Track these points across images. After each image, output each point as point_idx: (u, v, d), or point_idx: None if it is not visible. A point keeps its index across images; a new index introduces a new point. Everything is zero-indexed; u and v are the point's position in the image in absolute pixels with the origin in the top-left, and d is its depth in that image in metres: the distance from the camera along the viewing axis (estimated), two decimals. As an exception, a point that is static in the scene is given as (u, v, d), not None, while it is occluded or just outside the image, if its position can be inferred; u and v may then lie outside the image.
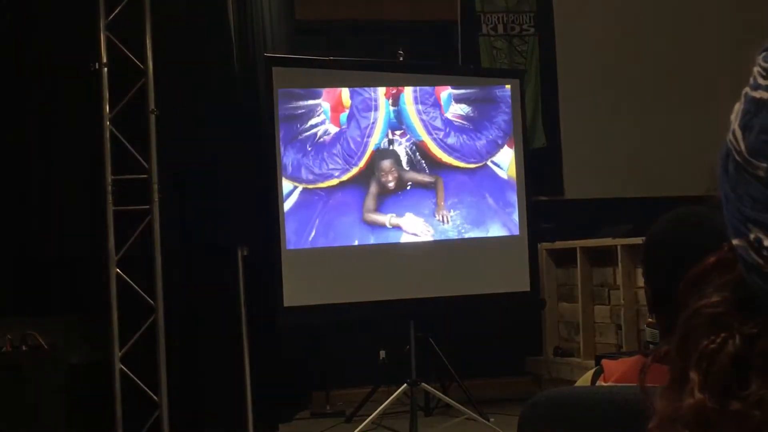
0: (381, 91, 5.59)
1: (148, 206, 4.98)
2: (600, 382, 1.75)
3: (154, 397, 4.89)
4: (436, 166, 5.67)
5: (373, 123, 5.56)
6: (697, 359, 0.68)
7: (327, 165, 5.46)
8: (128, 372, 4.87)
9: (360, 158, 5.52)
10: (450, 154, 5.70)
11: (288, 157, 5.36)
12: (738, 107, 0.68)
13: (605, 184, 7.14)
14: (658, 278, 1.79)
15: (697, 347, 0.68)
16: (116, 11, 4.97)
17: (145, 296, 4.92)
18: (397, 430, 5.63)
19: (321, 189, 5.45)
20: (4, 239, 5.04)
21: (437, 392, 5.69)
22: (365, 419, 5.35)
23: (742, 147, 0.66)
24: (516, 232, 5.85)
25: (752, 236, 0.65)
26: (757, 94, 0.66)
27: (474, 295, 5.72)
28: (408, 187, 5.62)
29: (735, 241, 0.67)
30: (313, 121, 5.43)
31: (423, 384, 5.46)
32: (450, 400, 5.60)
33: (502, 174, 5.81)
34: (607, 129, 7.14)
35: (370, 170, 5.55)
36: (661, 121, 7.15)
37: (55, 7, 5.11)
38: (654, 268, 1.82)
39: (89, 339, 5.12)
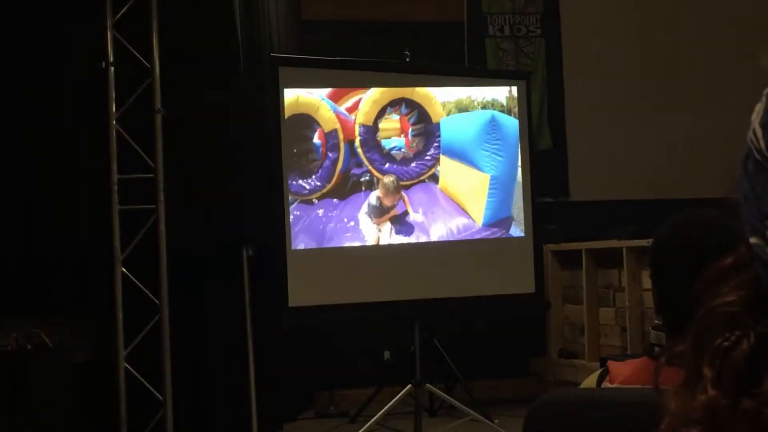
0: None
1: (153, 205, 4.98)
2: (606, 384, 1.75)
3: (159, 396, 4.90)
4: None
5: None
6: (711, 356, 0.68)
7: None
8: (133, 371, 4.88)
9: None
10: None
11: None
12: (759, 106, 0.68)
13: (611, 185, 7.13)
14: (665, 280, 1.79)
15: (712, 345, 0.68)
16: (123, 10, 4.97)
17: (150, 295, 4.92)
18: (401, 431, 5.63)
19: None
20: (10, 237, 5.04)
21: (441, 393, 5.68)
22: (369, 420, 5.36)
23: (762, 145, 0.66)
24: (521, 233, 5.85)
25: None
26: None
27: (479, 297, 5.72)
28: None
29: (752, 239, 0.68)
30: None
31: (427, 385, 5.46)
32: (454, 401, 5.59)
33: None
34: (613, 131, 7.14)
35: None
36: (667, 123, 7.14)
37: (62, 6, 5.12)
38: (661, 270, 1.82)
39: (94, 338, 5.13)
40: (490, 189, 5.81)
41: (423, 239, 5.67)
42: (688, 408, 0.68)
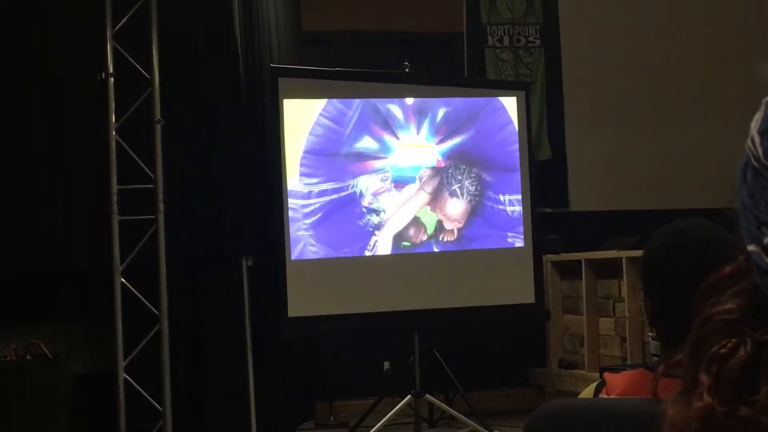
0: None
1: (153, 216, 4.98)
2: (602, 395, 1.74)
3: (158, 407, 4.89)
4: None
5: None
6: (708, 363, 0.68)
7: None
8: (132, 382, 4.87)
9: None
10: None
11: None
12: (758, 115, 0.68)
13: (610, 196, 7.13)
14: (657, 292, 1.79)
15: (709, 352, 0.68)
16: (123, 21, 4.98)
17: (150, 306, 4.92)
18: (401, 442, 5.63)
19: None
20: (10, 248, 5.04)
21: (441, 404, 5.68)
22: (369, 430, 5.34)
23: (760, 153, 0.67)
24: (521, 243, 5.85)
25: (766, 241, 0.66)
26: None
27: (479, 307, 5.71)
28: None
29: (750, 247, 0.68)
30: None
31: (427, 395, 5.45)
32: (454, 411, 5.59)
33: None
34: (613, 141, 7.14)
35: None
36: (666, 133, 7.15)
37: (62, 17, 5.12)
38: (653, 283, 1.81)
39: (93, 348, 5.13)
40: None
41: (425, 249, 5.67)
42: (685, 415, 0.68)
